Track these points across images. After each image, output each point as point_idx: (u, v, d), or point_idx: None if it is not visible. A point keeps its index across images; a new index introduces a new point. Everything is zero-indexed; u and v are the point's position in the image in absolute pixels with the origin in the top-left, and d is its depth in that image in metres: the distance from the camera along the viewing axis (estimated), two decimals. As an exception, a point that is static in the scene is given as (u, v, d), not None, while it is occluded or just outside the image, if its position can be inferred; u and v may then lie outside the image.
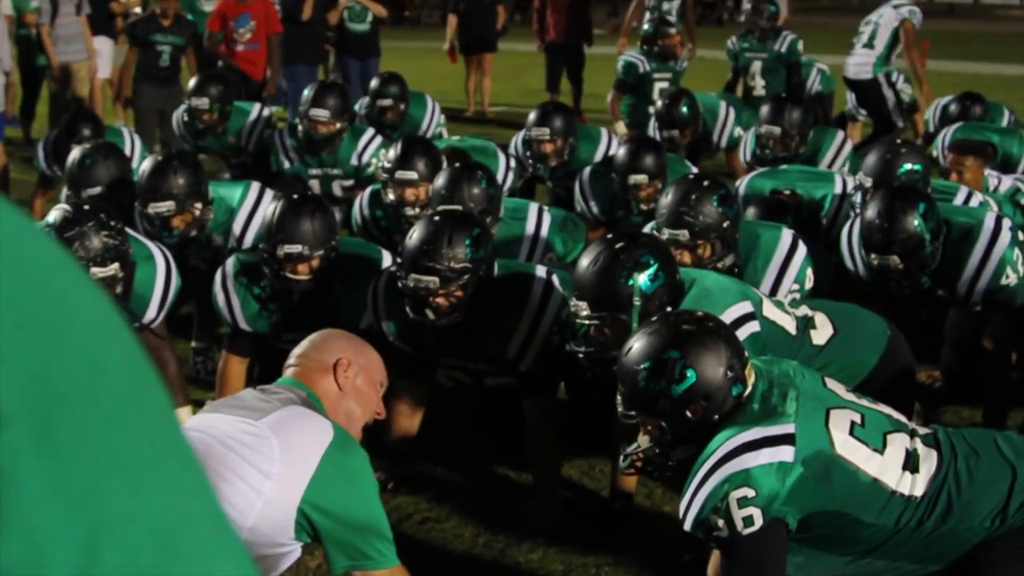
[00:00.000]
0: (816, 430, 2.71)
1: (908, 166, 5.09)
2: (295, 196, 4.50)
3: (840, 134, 7.01)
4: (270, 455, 2.67)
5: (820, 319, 3.75)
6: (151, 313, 4.31)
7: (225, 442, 2.69)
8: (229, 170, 7.43)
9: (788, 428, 2.69)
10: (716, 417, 2.77)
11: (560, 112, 6.71)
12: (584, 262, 3.62)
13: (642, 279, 3.52)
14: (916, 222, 4.17)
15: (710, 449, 2.71)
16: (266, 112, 7.33)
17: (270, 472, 2.65)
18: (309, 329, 4.30)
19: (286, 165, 6.70)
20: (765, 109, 6.74)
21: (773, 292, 4.26)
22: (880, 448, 2.73)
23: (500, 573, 3.78)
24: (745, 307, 3.58)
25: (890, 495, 2.70)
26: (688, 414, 2.81)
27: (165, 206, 4.89)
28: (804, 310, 3.80)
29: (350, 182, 6.63)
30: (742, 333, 3.46)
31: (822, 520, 2.69)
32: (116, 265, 3.97)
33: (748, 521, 2.63)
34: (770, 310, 3.67)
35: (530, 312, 4.00)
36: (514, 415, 4.48)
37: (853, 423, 2.75)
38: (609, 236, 3.69)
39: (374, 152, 6.58)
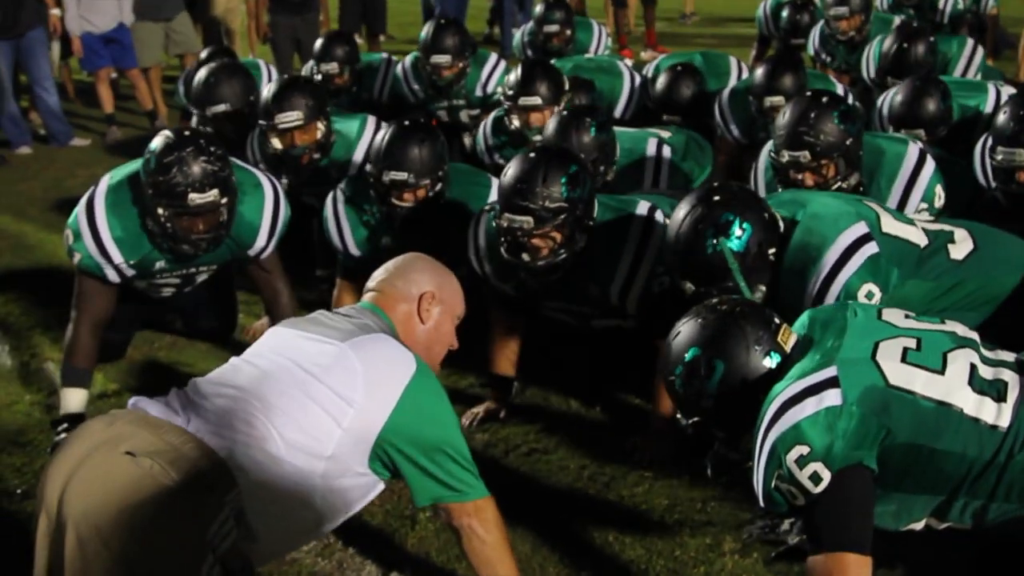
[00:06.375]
0: (862, 366, 2.54)
1: None
2: (406, 123, 4.44)
3: (970, 42, 6.58)
4: (352, 381, 2.63)
5: (960, 234, 3.53)
6: (260, 241, 4.32)
7: (306, 367, 2.67)
8: None
9: (830, 372, 2.53)
10: (761, 395, 2.61)
11: None
12: (669, 240, 3.43)
13: (729, 240, 3.31)
14: None
15: (759, 419, 2.57)
16: (390, 57, 7.05)
17: (352, 399, 2.62)
18: (419, 255, 4.30)
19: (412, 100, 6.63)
20: None
21: (899, 211, 3.98)
22: (940, 368, 2.55)
23: (605, 506, 3.70)
24: (859, 229, 3.35)
25: (967, 421, 2.50)
26: (734, 403, 2.67)
27: (294, 115, 4.93)
28: (942, 225, 3.60)
29: (477, 111, 6.53)
30: (859, 257, 3.30)
31: (897, 456, 2.51)
32: (215, 191, 3.95)
33: (815, 479, 2.47)
34: (891, 225, 3.44)
35: (628, 254, 3.83)
36: (625, 347, 4.37)
37: (906, 349, 2.57)
38: (681, 205, 3.44)
39: (499, 80, 6.45)
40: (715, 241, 3.31)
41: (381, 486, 2.81)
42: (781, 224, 3.42)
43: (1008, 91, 5.40)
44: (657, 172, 5.03)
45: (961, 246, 3.49)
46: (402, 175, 4.29)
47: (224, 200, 4.02)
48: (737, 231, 3.31)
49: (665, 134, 5.31)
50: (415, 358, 2.75)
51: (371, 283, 3.01)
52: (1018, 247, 3.60)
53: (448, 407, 2.78)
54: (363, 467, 2.70)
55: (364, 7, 10.21)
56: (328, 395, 2.62)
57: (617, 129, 5.12)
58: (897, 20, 7.12)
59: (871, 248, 3.33)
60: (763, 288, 3.38)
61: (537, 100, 5.40)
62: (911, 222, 3.54)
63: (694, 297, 3.35)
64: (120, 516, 2.40)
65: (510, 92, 5.44)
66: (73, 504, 2.44)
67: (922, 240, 3.46)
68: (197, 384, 2.73)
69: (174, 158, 3.92)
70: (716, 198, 3.38)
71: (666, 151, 5.08)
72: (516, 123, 5.45)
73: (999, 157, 4.00)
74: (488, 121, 5.75)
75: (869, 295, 3.28)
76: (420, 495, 2.75)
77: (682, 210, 3.41)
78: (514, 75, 5.49)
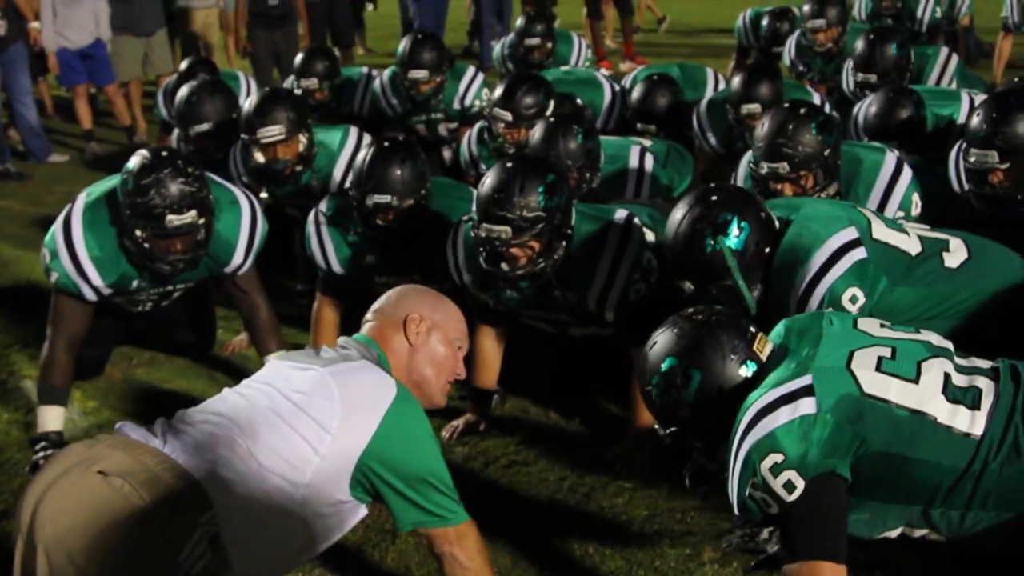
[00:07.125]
0: (837, 374, 2.56)
1: None
2: (386, 143, 4.42)
3: (944, 50, 6.60)
4: (330, 408, 2.63)
5: (955, 243, 3.57)
6: (238, 258, 4.32)
7: (287, 394, 2.68)
8: None
9: (804, 380, 2.55)
10: (738, 404, 2.63)
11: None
12: (668, 240, 3.46)
13: (727, 239, 3.34)
14: None
15: (735, 427, 2.59)
16: (369, 71, 7.06)
17: (329, 426, 2.61)
18: (401, 272, 4.30)
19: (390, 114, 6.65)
20: (807, 7, 6.94)
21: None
22: (914, 377, 2.57)
23: (585, 518, 3.70)
24: (849, 234, 3.39)
25: (941, 429, 2.52)
26: (711, 412, 2.69)
27: (276, 129, 4.94)
28: (938, 233, 3.63)
29: (455, 124, 6.54)
30: (847, 261, 3.33)
31: (871, 465, 2.53)
32: (193, 212, 3.96)
33: (789, 487, 2.49)
34: (882, 231, 3.48)
35: (606, 261, 3.86)
36: (605, 357, 4.39)
37: (881, 358, 2.59)
38: (679, 205, 3.48)
39: (476, 93, 6.48)
40: (713, 240, 3.34)
41: (364, 511, 2.80)
42: (776, 223, 3.45)
43: (981, 99, 5.43)
44: (640, 180, 5.06)
45: (955, 255, 3.52)
46: (385, 198, 4.26)
47: (202, 221, 4.01)
48: (735, 230, 3.35)
49: (647, 142, 5.34)
50: (396, 384, 2.73)
51: (368, 314, 3.01)
52: (1008, 257, 3.63)
53: (429, 433, 2.76)
54: (344, 494, 2.68)
55: (331, 21, 10.24)
56: (306, 422, 2.62)
57: (601, 137, 5.15)
58: None
59: (859, 253, 3.36)
60: (760, 286, 3.42)
61: (508, 116, 5.40)
62: (904, 230, 3.56)
63: (681, 300, 3.37)
64: (90, 536, 2.39)
65: (493, 106, 5.46)
66: (44, 523, 2.43)
67: (914, 248, 3.49)
68: (184, 412, 2.74)
69: (152, 180, 3.91)
70: (714, 198, 3.41)
71: (649, 159, 5.11)
72: (498, 136, 5.46)
73: (972, 159, 4.03)
74: (472, 132, 5.76)
75: (853, 299, 3.31)
76: (401, 521, 2.75)
77: (680, 210, 3.43)
78: (499, 89, 5.51)
